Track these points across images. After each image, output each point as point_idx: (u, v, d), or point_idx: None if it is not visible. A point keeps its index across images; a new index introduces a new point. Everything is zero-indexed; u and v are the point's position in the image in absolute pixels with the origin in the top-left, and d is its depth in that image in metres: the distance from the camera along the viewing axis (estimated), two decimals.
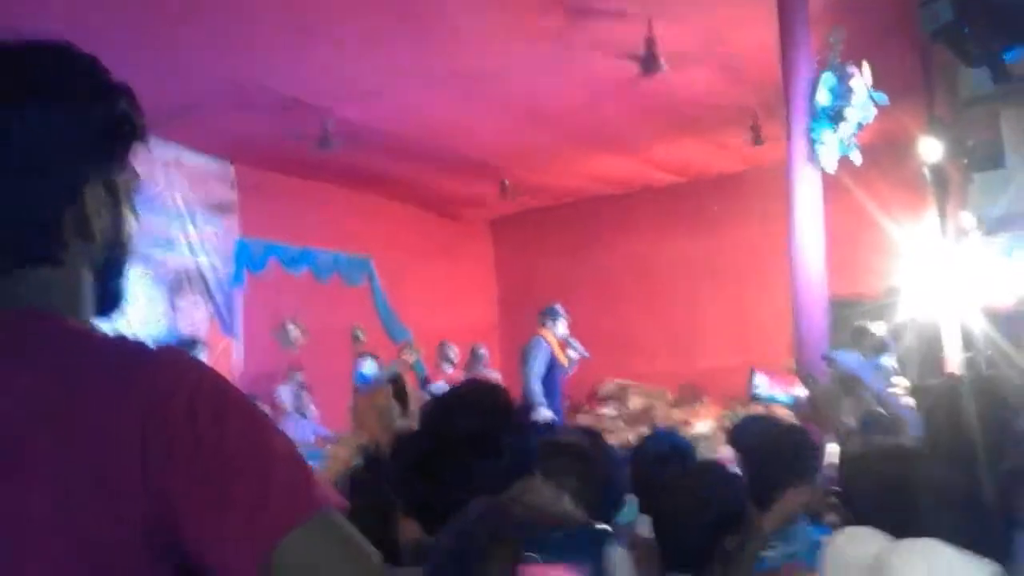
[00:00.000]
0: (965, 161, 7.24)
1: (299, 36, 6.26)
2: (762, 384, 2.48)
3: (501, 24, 6.32)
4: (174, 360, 0.92)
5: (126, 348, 0.93)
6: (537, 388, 6.79)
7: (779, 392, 2.53)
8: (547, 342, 7.03)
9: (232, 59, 6.60)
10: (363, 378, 2.05)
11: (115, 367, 0.89)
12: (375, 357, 7.71)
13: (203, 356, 7.02)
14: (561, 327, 7.20)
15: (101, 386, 0.87)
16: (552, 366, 6.96)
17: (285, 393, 8.56)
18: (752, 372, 2.38)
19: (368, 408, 2.35)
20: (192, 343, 7.12)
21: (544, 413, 6.53)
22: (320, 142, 7.94)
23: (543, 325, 7.14)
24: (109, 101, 1.00)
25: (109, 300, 1.03)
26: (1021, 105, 6.78)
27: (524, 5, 6.10)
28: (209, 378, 0.92)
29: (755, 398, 2.45)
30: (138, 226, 1.04)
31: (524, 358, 6.98)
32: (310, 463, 0.94)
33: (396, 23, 6.19)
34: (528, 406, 6.73)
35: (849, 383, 3.65)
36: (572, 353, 7.39)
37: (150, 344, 0.94)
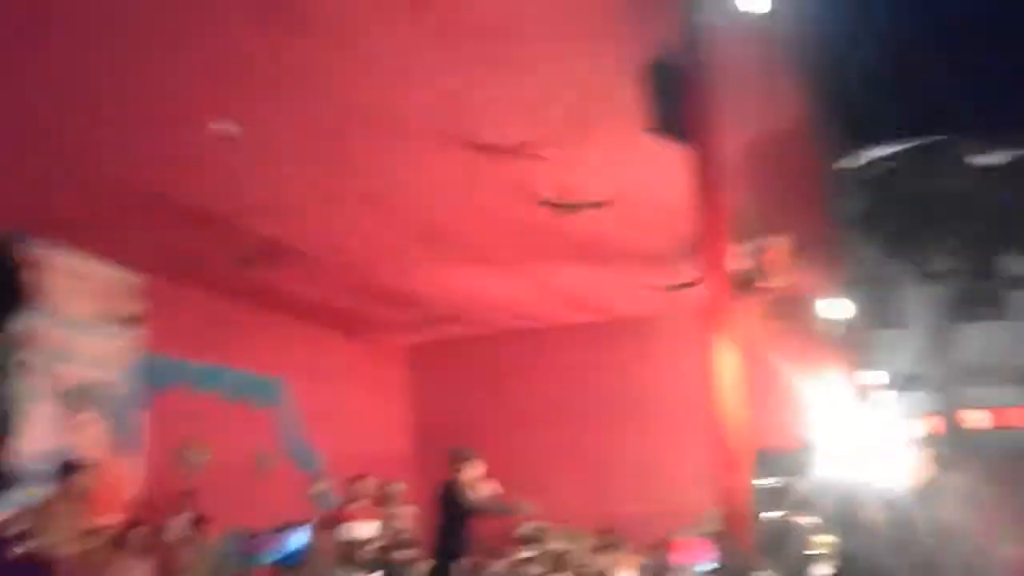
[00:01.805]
0: (870, 321, 7.57)
1: (216, 152, 6.19)
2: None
3: (428, 154, 6.42)
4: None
5: None
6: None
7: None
8: (460, 486, 6.84)
9: (147, 169, 6.46)
10: (288, 552, 1.85)
11: None
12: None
13: (87, 479, 6.66)
14: (471, 469, 7.01)
15: None
16: (466, 511, 6.77)
17: (179, 524, 8.06)
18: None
19: (200, 568, 2.24)
20: (79, 466, 6.74)
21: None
22: (238, 259, 7.82)
23: (456, 468, 6.94)
24: None
25: None
26: (914, 273, 7.18)
27: (446, 140, 6.21)
28: None
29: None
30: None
31: (447, 504, 6.77)
32: None
33: (319, 146, 6.21)
34: (445, 555, 6.54)
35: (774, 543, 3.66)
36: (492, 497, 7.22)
37: None
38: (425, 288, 9.83)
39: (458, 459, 6.97)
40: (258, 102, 5.54)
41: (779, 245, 4.93)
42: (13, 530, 6.09)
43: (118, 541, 7.09)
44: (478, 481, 7.00)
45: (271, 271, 8.40)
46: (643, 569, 7.81)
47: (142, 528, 7.43)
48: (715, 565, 2.40)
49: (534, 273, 9.53)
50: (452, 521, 6.70)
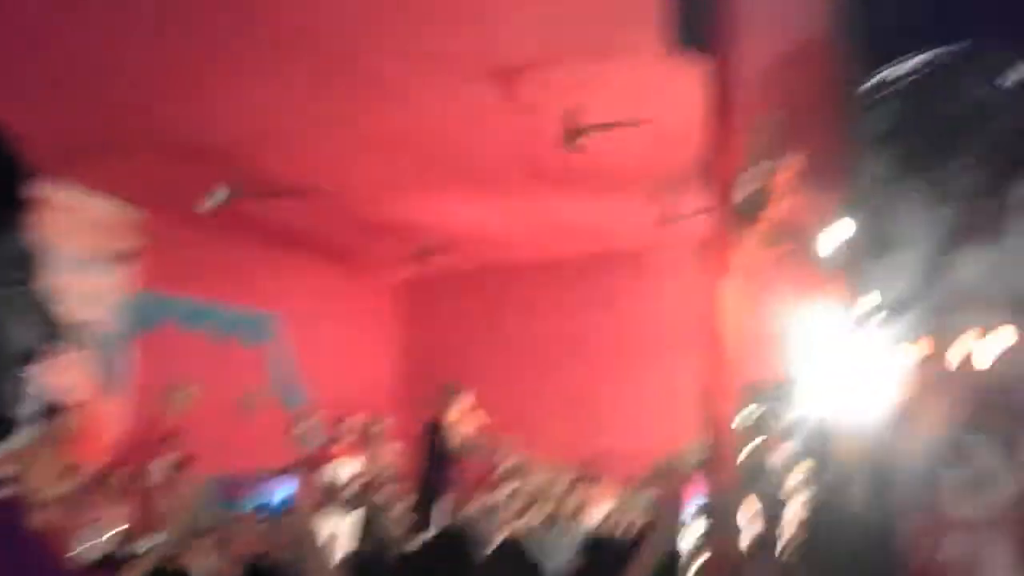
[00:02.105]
0: (868, 245, 7.37)
1: (214, 82, 6.10)
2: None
3: (429, 79, 6.24)
4: None
5: None
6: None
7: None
8: (444, 426, 6.78)
9: (144, 101, 6.41)
10: (272, 504, 1.79)
11: None
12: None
13: (70, 421, 6.58)
14: (459, 406, 6.96)
15: None
16: (449, 451, 6.72)
17: (161, 467, 8.01)
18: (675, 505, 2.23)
19: (180, 513, 2.12)
20: (63, 407, 6.65)
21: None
22: (233, 193, 7.72)
23: (444, 407, 6.89)
24: None
25: None
26: (923, 194, 6.95)
27: (453, 66, 6.03)
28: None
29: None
30: None
31: (430, 444, 6.72)
32: None
33: (321, 72, 6.06)
34: (427, 494, 6.50)
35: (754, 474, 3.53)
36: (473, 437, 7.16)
37: None
38: (420, 219, 9.70)
39: (447, 396, 6.93)
40: (257, 27, 5.35)
41: (789, 167, 4.69)
42: None
43: (99, 483, 7.06)
44: (465, 417, 6.94)
45: (265, 205, 8.26)
46: (621, 503, 7.78)
47: (124, 470, 7.40)
48: (703, 500, 2.32)
49: (532, 204, 9.36)
50: (436, 459, 6.65)
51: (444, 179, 8.42)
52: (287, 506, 1.69)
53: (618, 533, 5.89)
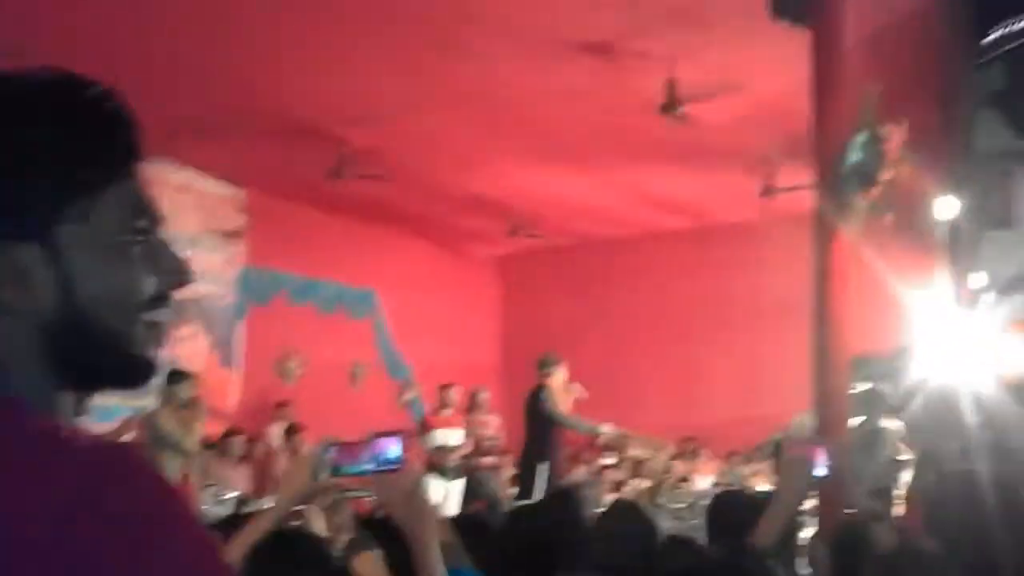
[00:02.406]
0: (978, 221, 7.12)
1: (315, 61, 6.26)
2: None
3: (523, 53, 6.29)
4: (104, 461, 0.75)
5: (43, 440, 0.76)
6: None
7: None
8: (552, 392, 6.89)
9: (247, 83, 6.60)
10: (383, 461, 1.90)
11: (18, 464, 0.74)
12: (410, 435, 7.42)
13: (192, 389, 6.89)
14: (561, 374, 7.05)
15: None
16: (553, 418, 6.82)
17: (275, 432, 8.38)
18: (810, 454, 2.22)
19: (291, 476, 2.24)
20: (183, 375, 6.97)
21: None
22: (332, 170, 7.91)
23: (545, 374, 6.98)
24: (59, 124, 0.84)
25: (85, 373, 0.87)
26: None
27: (549, 39, 6.06)
28: (143, 491, 0.75)
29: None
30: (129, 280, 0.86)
31: (535, 411, 6.84)
32: None
33: (419, 47, 6.17)
34: (531, 460, 6.61)
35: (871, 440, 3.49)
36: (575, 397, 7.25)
37: (86, 436, 0.78)
38: (517, 195, 9.75)
39: (546, 365, 7.02)
40: (358, 9, 5.53)
41: (897, 135, 4.59)
42: (121, 438, 6.44)
43: (219, 449, 7.40)
44: (564, 387, 7.02)
45: (365, 181, 8.45)
46: (723, 474, 7.75)
47: (241, 437, 7.74)
48: (825, 471, 2.28)
49: (629, 177, 9.33)
50: (538, 428, 6.75)
51: (540, 154, 8.44)
52: (398, 463, 1.77)
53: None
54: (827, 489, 3.03)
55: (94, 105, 0.86)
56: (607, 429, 6.54)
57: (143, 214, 0.88)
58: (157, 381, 7.28)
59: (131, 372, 0.89)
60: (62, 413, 0.85)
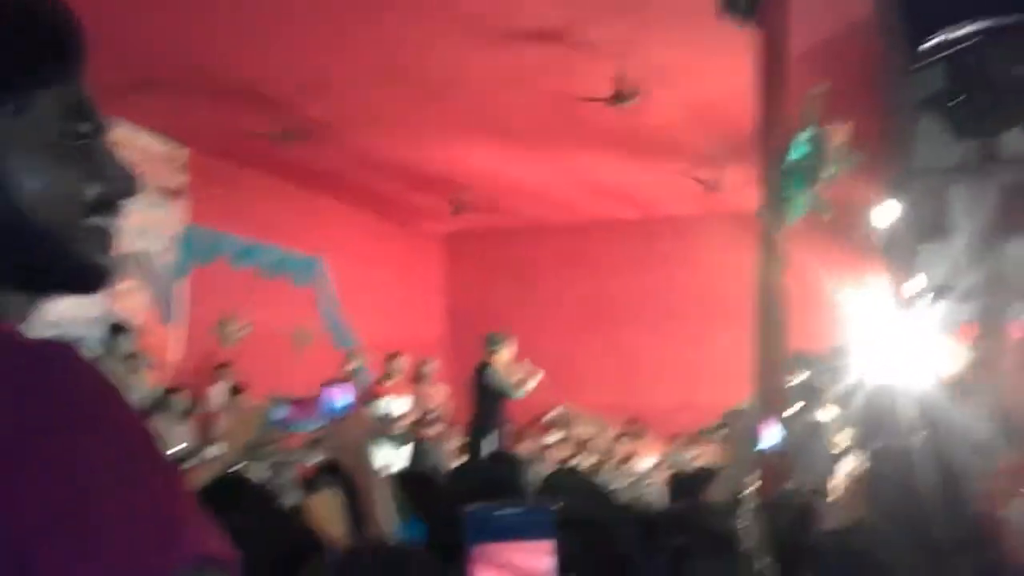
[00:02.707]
0: (913, 230, 7.43)
1: (266, 25, 6.17)
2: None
3: (473, 36, 6.32)
4: (36, 357, 0.73)
5: None
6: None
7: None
8: (496, 370, 7.00)
9: (196, 40, 6.45)
10: (333, 409, 1.95)
11: None
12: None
13: (133, 343, 6.83)
14: (507, 353, 7.18)
15: None
16: (500, 393, 6.94)
17: (216, 393, 8.33)
18: (755, 428, 2.36)
19: (240, 427, 2.30)
20: (124, 328, 6.91)
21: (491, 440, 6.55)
22: (279, 135, 7.84)
23: (492, 352, 7.09)
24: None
25: (28, 276, 0.84)
26: (971, 180, 6.99)
27: (497, 21, 6.11)
28: (75, 382, 0.73)
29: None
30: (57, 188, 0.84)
31: (480, 386, 6.95)
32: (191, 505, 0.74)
33: (367, 22, 6.14)
34: (478, 432, 6.72)
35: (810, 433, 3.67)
36: (523, 378, 7.35)
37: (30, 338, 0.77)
38: (465, 174, 9.80)
39: (492, 343, 7.12)
40: None
41: (840, 134, 4.78)
42: None
43: (160, 404, 7.34)
44: (511, 364, 7.14)
45: (312, 149, 8.40)
46: (666, 457, 7.98)
47: (183, 394, 7.68)
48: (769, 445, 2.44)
49: (577, 164, 9.46)
50: (483, 403, 6.86)
51: (489, 135, 8.46)
52: (348, 411, 1.82)
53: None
54: (769, 467, 3.18)
55: (28, 3, 0.85)
56: (558, 410, 6.65)
57: (85, 118, 0.87)
58: (98, 334, 7.21)
59: (75, 276, 0.87)
60: (12, 317, 0.83)
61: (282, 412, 2.16)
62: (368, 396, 8.15)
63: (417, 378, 8.79)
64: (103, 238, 0.88)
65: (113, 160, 0.90)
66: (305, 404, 2.16)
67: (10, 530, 0.66)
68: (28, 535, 0.66)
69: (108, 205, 0.88)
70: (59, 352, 0.74)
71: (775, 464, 3.28)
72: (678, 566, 1.58)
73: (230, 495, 2.14)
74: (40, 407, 0.70)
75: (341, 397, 2.05)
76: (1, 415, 0.69)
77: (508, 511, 0.73)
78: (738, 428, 2.56)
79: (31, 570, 0.66)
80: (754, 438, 2.55)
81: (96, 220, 0.87)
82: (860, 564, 1.92)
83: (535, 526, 0.71)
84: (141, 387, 6.70)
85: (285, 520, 2.16)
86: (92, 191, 0.86)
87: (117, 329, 6.86)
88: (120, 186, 0.90)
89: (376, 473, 2.05)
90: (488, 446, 6.58)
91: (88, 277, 0.87)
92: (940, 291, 6.37)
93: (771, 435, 2.60)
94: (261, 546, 2.04)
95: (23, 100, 0.83)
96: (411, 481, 2.57)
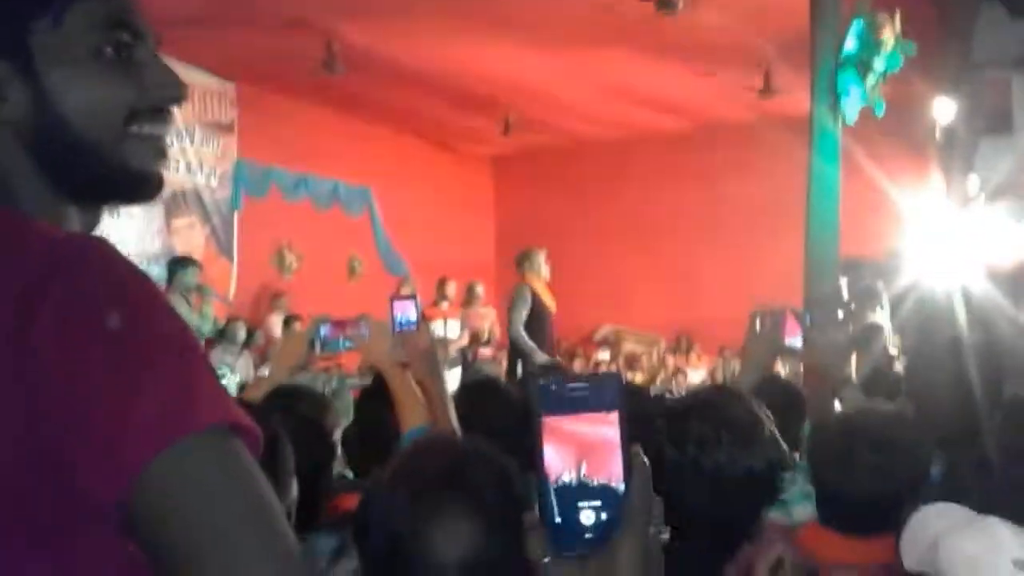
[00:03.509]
0: (974, 125, 7.17)
1: None
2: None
3: None
4: (66, 242, 0.77)
5: (13, 229, 0.78)
6: (523, 335, 6.71)
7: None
8: (531, 288, 6.92)
9: None
10: (402, 322, 2.02)
11: None
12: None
13: (196, 276, 6.96)
14: (544, 270, 7.04)
15: None
16: (539, 312, 6.86)
17: (274, 321, 8.52)
18: (759, 316, 2.32)
19: (288, 349, 2.36)
20: (187, 262, 7.04)
21: (541, 357, 6.49)
22: (325, 65, 7.82)
23: (526, 271, 6.98)
24: None
25: (79, 186, 0.86)
26: None
27: None
28: (100, 265, 0.76)
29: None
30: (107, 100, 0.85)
31: (509, 307, 6.89)
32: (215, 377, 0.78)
33: None
34: (521, 354, 6.69)
35: (868, 334, 3.62)
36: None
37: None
38: (511, 91, 9.67)
39: (519, 264, 7.01)
40: None
41: (890, 27, 4.58)
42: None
43: (220, 335, 7.53)
44: (544, 281, 7.00)
45: (356, 78, 8.36)
46: (716, 368, 7.94)
47: (241, 324, 7.86)
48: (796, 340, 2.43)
49: (624, 76, 9.25)
50: (528, 321, 6.82)
51: (535, 50, 8.28)
52: (416, 323, 1.88)
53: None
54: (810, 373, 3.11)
55: None
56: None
57: (124, 27, 0.87)
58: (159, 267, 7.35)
59: (126, 185, 0.88)
60: (69, 224, 0.86)
61: (324, 330, 2.22)
62: (420, 320, 8.23)
63: (467, 301, 8.85)
64: (152, 145, 0.89)
65: (157, 68, 0.90)
66: (344, 323, 2.20)
67: (71, 391, 0.71)
68: (79, 399, 0.71)
69: (155, 112, 0.89)
70: (94, 243, 0.78)
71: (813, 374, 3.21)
72: (701, 453, 1.59)
73: (289, 398, 2.23)
74: (86, 288, 0.74)
75: (408, 311, 2.11)
76: (55, 297, 0.72)
77: (577, 384, 0.75)
78: (765, 322, 2.52)
79: (83, 426, 0.70)
80: (778, 330, 2.50)
81: (144, 128, 0.88)
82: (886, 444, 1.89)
83: (602, 397, 0.74)
84: (206, 319, 6.84)
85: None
86: (137, 100, 0.87)
87: (180, 262, 7.00)
88: (166, 93, 0.90)
89: (444, 380, 2.12)
90: (535, 368, 6.53)
91: (140, 185, 0.89)
92: (999, 188, 6.17)
93: (794, 329, 2.55)
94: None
95: (61, 12, 0.83)
96: (477, 390, 2.63)
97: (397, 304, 2.10)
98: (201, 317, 6.66)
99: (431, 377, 2.05)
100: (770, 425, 1.65)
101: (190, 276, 6.74)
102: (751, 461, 1.59)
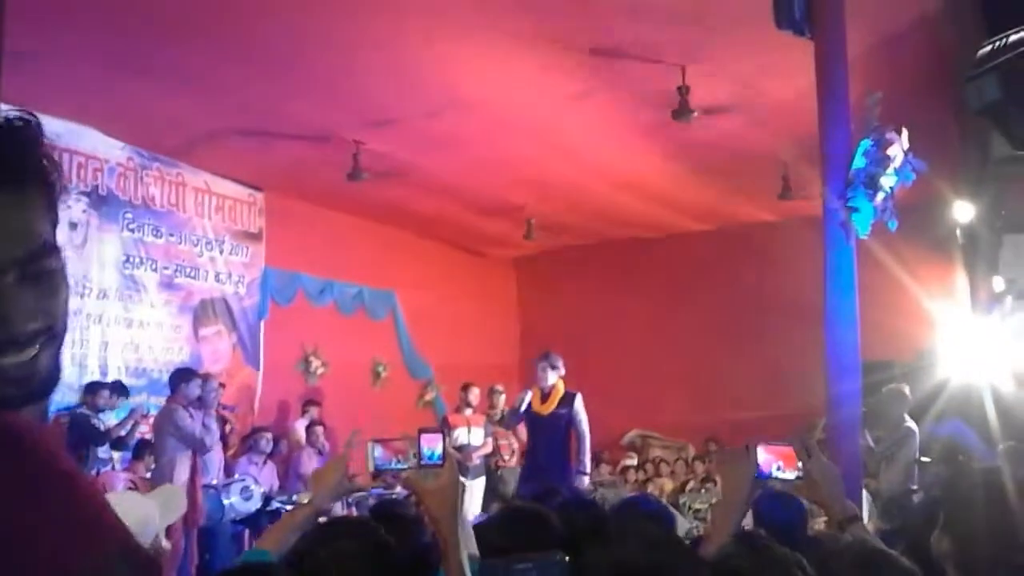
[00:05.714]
0: (997, 224, 7.18)
1: (329, 65, 6.34)
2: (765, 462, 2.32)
3: (535, 60, 6.36)
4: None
5: None
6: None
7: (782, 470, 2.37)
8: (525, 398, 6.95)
9: (264, 87, 6.67)
10: (430, 457, 2.02)
11: None
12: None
13: (216, 391, 6.98)
14: (554, 374, 6.99)
15: None
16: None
17: (300, 428, 8.53)
18: (752, 449, 2.22)
19: (323, 477, 2.37)
20: (189, 374, 7.05)
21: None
22: (350, 174, 8.00)
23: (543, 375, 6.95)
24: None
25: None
26: None
27: (558, 44, 6.13)
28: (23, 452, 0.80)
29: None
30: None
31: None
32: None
33: (425, 53, 6.24)
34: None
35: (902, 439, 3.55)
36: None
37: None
38: (533, 198, 9.81)
39: (545, 363, 6.95)
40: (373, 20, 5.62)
41: (897, 143, 4.66)
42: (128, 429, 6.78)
43: (245, 444, 7.52)
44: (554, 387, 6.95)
45: (381, 184, 8.54)
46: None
47: (267, 434, 7.86)
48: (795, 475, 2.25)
49: (646, 180, 9.37)
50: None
51: (554, 156, 8.42)
52: (441, 460, 1.86)
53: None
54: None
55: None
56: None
57: (18, 242, 0.84)
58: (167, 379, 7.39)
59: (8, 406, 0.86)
60: None
61: (378, 453, 2.25)
62: (443, 427, 8.21)
63: (491, 406, 8.81)
64: (12, 376, 0.85)
65: (43, 293, 0.87)
66: (395, 444, 2.24)
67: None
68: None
69: (30, 340, 0.86)
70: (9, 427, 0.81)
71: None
72: None
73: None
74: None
75: (435, 446, 2.13)
76: None
77: (524, 564, 0.75)
78: (730, 456, 2.39)
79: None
80: (749, 468, 2.34)
81: (26, 351, 0.85)
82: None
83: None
84: (209, 431, 6.82)
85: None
86: (21, 326, 0.84)
87: (182, 375, 7.01)
88: (47, 318, 0.87)
89: (459, 522, 2.09)
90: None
91: (14, 407, 0.86)
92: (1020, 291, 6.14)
93: (791, 463, 2.36)
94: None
95: None
96: (522, 518, 2.51)
97: (425, 438, 2.12)
98: (204, 429, 6.67)
99: (448, 519, 2.02)
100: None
101: (192, 388, 6.77)
102: None
